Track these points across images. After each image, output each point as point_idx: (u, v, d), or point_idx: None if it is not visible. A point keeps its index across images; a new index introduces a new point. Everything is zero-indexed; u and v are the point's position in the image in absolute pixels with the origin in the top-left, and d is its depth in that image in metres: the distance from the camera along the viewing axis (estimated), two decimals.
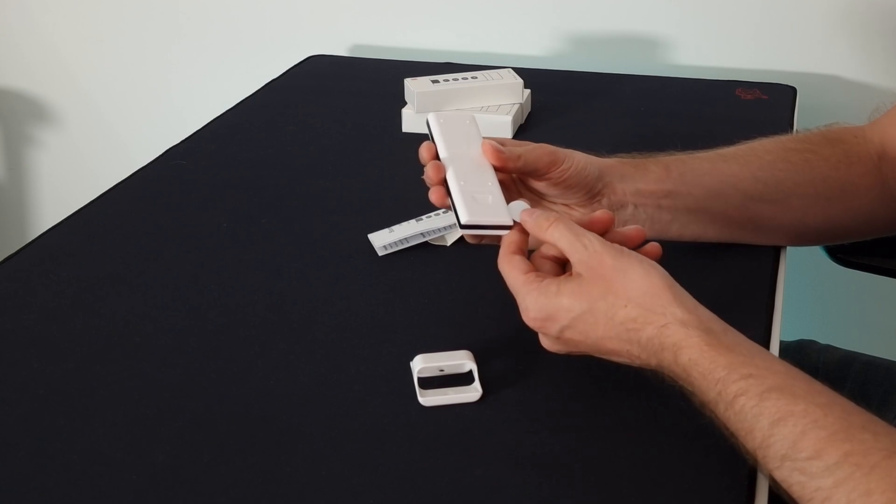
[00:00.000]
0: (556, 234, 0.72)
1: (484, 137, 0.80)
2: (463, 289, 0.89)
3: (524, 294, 0.72)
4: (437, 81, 1.25)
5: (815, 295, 1.63)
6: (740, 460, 0.65)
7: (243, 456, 0.69)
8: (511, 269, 0.73)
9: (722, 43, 1.56)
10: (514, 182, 0.84)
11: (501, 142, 0.81)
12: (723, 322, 0.68)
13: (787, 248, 0.99)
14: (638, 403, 0.75)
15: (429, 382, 0.75)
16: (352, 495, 0.66)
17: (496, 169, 0.79)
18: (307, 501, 0.66)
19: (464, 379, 0.76)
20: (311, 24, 1.70)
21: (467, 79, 1.26)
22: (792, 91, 1.41)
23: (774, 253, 0.95)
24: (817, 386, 0.63)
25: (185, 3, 1.75)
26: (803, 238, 0.96)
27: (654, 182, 0.86)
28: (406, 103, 1.26)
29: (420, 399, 0.73)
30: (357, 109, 1.35)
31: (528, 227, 0.75)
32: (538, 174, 0.81)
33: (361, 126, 1.29)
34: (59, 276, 0.93)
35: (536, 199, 0.84)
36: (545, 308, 0.71)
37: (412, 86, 1.24)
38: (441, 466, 0.69)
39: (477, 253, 0.83)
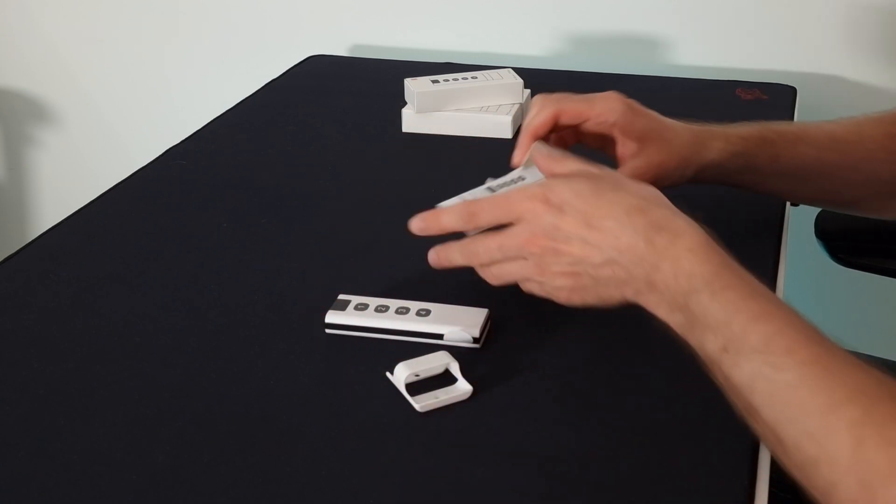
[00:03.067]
0: (568, 163, 0.77)
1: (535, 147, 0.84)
2: (463, 285, 0.89)
3: (528, 185, 0.76)
4: (437, 81, 1.25)
5: (815, 295, 1.63)
6: (740, 460, 0.65)
7: (243, 456, 0.69)
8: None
9: (722, 43, 1.56)
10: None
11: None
12: None
13: (788, 247, 0.99)
14: (638, 403, 0.74)
15: (418, 387, 0.75)
16: (352, 495, 0.66)
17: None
18: (307, 501, 0.66)
19: (449, 378, 0.76)
20: (311, 24, 1.70)
21: (467, 79, 1.26)
22: (792, 91, 1.41)
23: (774, 253, 0.95)
24: (791, 307, 0.66)
25: (185, 4, 1.75)
26: (873, 212, 1.01)
27: (753, 173, 0.91)
28: (406, 103, 1.26)
29: (416, 406, 0.73)
30: (357, 109, 1.35)
31: (542, 157, 0.79)
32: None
33: (361, 126, 1.29)
34: (59, 276, 0.93)
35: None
36: (553, 188, 0.73)
37: (412, 86, 1.24)
38: (441, 466, 0.69)
39: None
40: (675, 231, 0.69)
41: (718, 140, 0.90)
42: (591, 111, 0.86)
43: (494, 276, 0.77)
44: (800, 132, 0.93)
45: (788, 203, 1.06)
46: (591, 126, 0.87)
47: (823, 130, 0.93)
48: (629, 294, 0.71)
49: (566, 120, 0.86)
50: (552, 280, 0.74)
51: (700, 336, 0.66)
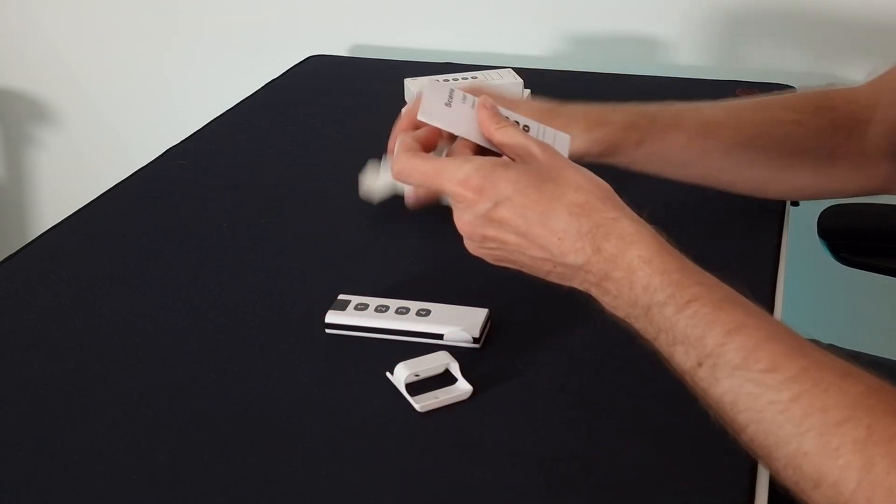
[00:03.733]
0: (510, 132, 0.70)
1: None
2: (462, 285, 0.89)
3: (463, 162, 0.68)
4: (437, 81, 1.25)
5: (817, 295, 1.63)
6: (741, 460, 0.65)
7: (243, 456, 0.69)
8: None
9: (722, 43, 1.56)
10: None
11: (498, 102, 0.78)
12: None
13: (789, 247, 0.99)
14: (638, 403, 0.74)
15: (418, 387, 0.75)
16: (352, 495, 0.66)
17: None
18: (307, 501, 0.66)
19: (449, 378, 0.76)
20: (311, 24, 1.70)
21: (467, 79, 1.26)
22: (792, 91, 1.40)
23: (774, 253, 0.95)
24: (759, 307, 0.63)
25: (185, 4, 1.75)
26: (760, 193, 0.98)
27: (621, 161, 0.89)
28: (406, 103, 1.26)
29: (416, 406, 0.73)
30: (357, 109, 1.35)
31: (484, 117, 0.72)
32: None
33: (361, 126, 1.29)
34: (59, 276, 0.93)
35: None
36: (489, 175, 0.67)
37: (412, 86, 1.24)
38: (441, 466, 0.69)
39: None
40: (623, 237, 0.65)
41: (578, 123, 0.87)
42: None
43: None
44: (674, 118, 0.91)
45: (789, 203, 1.06)
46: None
47: (700, 115, 0.92)
48: (577, 286, 0.68)
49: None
50: (487, 258, 0.71)
51: (667, 348, 0.63)
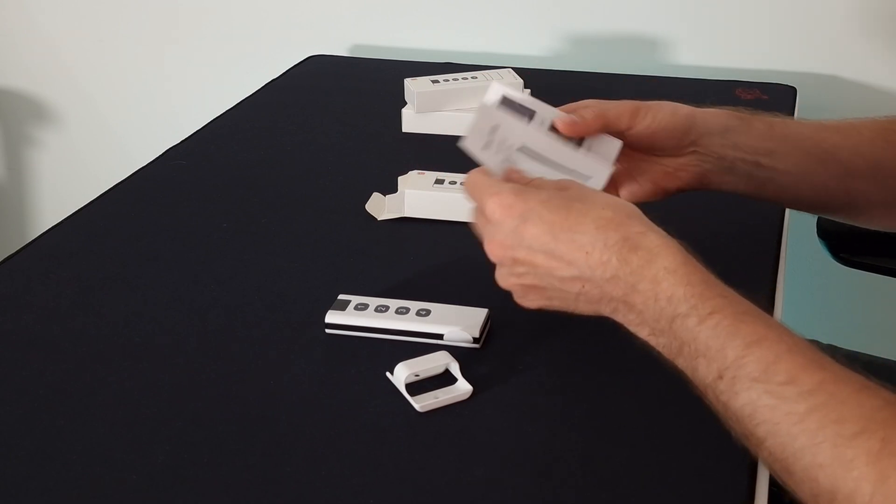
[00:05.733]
0: (541, 180, 0.73)
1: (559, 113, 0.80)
2: (463, 285, 0.89)
3: (498, 185, 0.71)
4: (437, 81, 1.25)
5: (818, 295, 1.63)
6: (741, 460, 0.65)
7: (243, 456, 0.69)
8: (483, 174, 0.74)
9: (722, 43, 1.56)
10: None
11: (577, 107, 0.81)
12: None
13: (788, 247, 0.99)
14: (638, 403, 0.74)
15: (418, 387, 0.75)
16: (351, 495, 0.66)
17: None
18: (307, 501, 0.66)
19: (449, 378, 0.76)
20: (311, 24, 1.70)
21: (467, 79, 1.26)
22: (792, 91, 1.41)
23: (774, 253, 0.95)
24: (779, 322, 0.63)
25: (185, 4, 1.75)
26: None
27: (756, 138, 0.85)
28: (406, 103, 1.26)
29: (416, 406, 0.73)
30: (357, 109, 1.35)
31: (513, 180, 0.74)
32: (619, 131, 0.81)
33: (361, 126, 1.29)
34: (59, 276, 0.93)
35: (627, 150, 0.84)
36: (521, 192, 0.69)
37: (412, 86, 1.24)
38: (441, 466, 0.69)
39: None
40: (650, 249, 0.66)
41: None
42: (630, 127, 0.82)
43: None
44: (786, 119, 0.89)
45: None
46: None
47: (815, 120, 0.89)
48: (605, 311, 0.69)
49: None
50: (517, 291, 0.72)
51: (690, 361, 0.63)
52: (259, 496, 0.66)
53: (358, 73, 1.52)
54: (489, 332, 0.82)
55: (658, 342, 0.66)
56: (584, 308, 0.70)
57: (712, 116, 0.85)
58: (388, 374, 0.76)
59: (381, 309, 0.82)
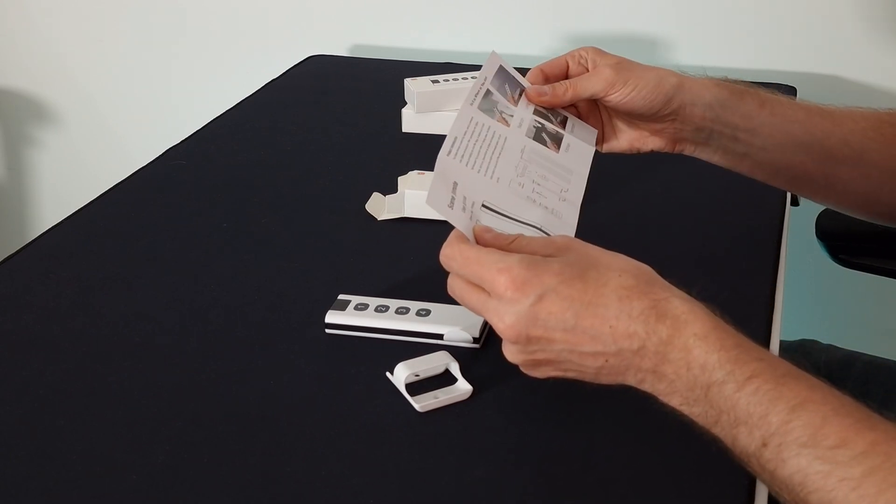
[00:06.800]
0: (524, 240, 0.68)
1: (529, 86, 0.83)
2: None
3: (507, 254, 0.65)
4: (437, 81, 1.25)
5: (817, 295, 1.63)
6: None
7: (243, 456, 0.69)
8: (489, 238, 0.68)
9: (722, 43, 1.56)
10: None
11: (547, 74, 0.85)
12: None
13: (788, 248, 0.99)
14: (638, 403, 0.74)
15: (418, 387, 0.75)
16: (351, 495, 0.66)
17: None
18: (307, 501, 0.66)
19: (449, 378, 0.76)
20: (311, 24, 1.70)
21: (467, 79, 1.26)
22: (792, 91, 1.40)
23: (774, 253, 0.95)
24: (820, 380, 0.61)
25: (185, 4, 1.75)
26: (872, 212, 0.93)
27: (741, 116, 0.83)
28: (406, 103, 1.26)
29: (416, 406, 0.73)
30: (357, 109, 1.35)
31: (488, 241, 0.68)
32: (597, 99, 0.83)
33: (361, 126, 1.29)
34: (59, 276, 0.93)
35: (605, 109, 0.85)
36: (532, 266, 0.64)
37: (412, 86, 1.24)
38: (441, 466, 0.69)
39: None
40: (678, 316, 0.62)
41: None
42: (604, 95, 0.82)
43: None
44: (783, 99, 0.87)
45: (789, 203, 1.06)
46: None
47: (813, 103, 0.88)
48: (630, 381, 0.65)
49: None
50: (527, 364, 0.67)
51: (730, 430, 0.60)
52: (259, 496, 0.66)
53: (358, 73, 1.52)
54: (489, 332, 0.82)
55: (692, 411, 0.63)
56: (606, 380, 0.66)
57: (702, 88, 0.84)
58: (388, 374, 0.76)
59: (381, 309, 0.83)
